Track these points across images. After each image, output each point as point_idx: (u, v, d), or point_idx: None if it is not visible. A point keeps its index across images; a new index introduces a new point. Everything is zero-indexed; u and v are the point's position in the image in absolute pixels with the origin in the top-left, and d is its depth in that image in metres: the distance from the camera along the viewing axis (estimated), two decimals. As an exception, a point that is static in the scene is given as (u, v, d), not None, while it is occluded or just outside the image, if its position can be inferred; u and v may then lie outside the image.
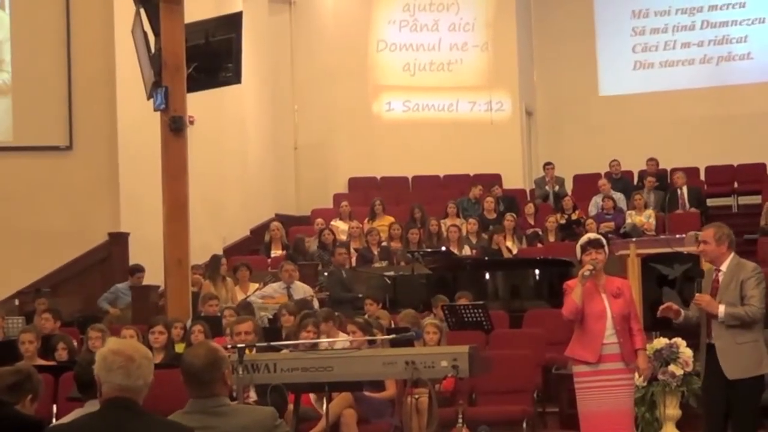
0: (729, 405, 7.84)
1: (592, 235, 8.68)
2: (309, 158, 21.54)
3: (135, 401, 4.24)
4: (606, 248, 8.27)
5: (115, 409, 4.20)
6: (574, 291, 8.11)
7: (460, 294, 12.86)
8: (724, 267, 7.95)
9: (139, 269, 15.04)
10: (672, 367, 9.98)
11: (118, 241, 16.26)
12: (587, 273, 8.06)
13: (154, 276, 14.10)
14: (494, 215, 18.10)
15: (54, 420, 8.94)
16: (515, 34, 22.12)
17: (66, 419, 4.96)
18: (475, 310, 12.14)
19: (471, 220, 17.46)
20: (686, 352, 9.92)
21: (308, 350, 8.93)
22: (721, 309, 7.77)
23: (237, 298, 14.12)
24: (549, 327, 11.65)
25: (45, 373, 9.60)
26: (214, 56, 12.53)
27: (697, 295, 7.87)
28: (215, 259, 14.89)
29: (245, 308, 12.74)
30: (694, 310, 8.04)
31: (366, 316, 11.21)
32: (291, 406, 8.48)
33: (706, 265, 8.39)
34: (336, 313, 11.10)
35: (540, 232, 17.49)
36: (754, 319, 7.83)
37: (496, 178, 20.52)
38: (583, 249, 8.21)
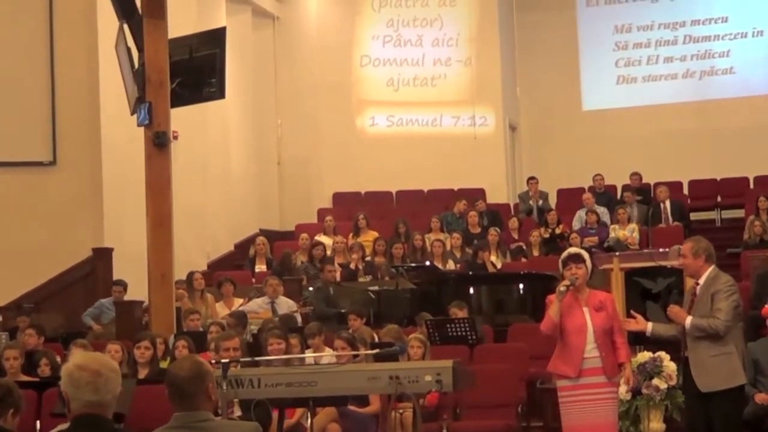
0: (710, 418, 7.89)
1: (572, 250, 8.67)
2: (293, 173, 21.55)
3: (105, 417, 4.19)
4: (587, 262, 8.25)
5: (85, 427, 4.16)
6: (552, 307, 8.09)
7: (456, 304, 12.74)
8: (701, 280, 8.03)
9: (118, 283, 15.01)
10: (656, 381, 10.01)
11: (102, 256, 16.21)
12: (563, 289, 8.04)
13: (138, 291, 14.06)
14: (478, 230, 18.12)
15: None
16: (498, 49, 22.18)
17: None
18: (463, 324, 12.14)
19: (455, 235, 17.49)
20: (670, 365, 9.95)
21: (292, 365, 8.92)
22: (688, 320, 7.85)
23: (217, 313, 14.11)
24: (533, 341, 11.62)
25: (28, 389, 9.58)
26: (197, 71, 12.53)
27: (669, 306, 7.95)
28: (189, 275, 14.92)
29: (239, 318, 12.74)
30: (675, 325, 8.11)
31: (350, 332, 11.20)
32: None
33: (689, 280, 8.44)
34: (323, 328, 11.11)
35: (524, 247, 17.49)
36: (717, 332, 7.88)
37: (479, 193, 20.54)
38: (564, 264, 8.21)
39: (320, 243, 17.01)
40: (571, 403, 8.09)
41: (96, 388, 4.17)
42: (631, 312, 8.24)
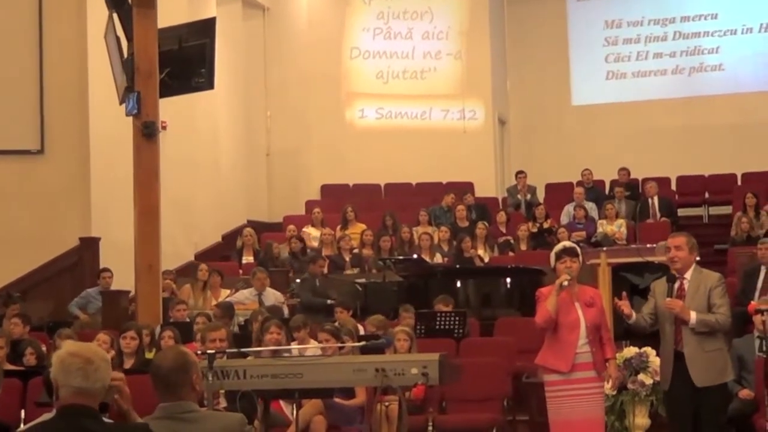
0: (696, 413, 7.89)
1: (567, 243, 8.68)
2: (281, 165, 21.52)
3: (91, 408, 4.17)
4: (580, 257, 8.28)
5: (71, 416, 4.15)
6: (549, 300, 8.09)
7: (442, 299, 12.76)
8: (688, 275, 8.02)
9: (106, 269, 15.00)
10: (641, 376, 10.02)
11: (89, 245, 16.19)
12: (565, 283, 8.05)
13: (124, 281, 14.04)
14: (466, 223, 18.11)
15: (22, 425, 8.91)
16: (489, 43, 22.17)
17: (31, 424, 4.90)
18: (452, 318, 12.15)
19: (443, 228, 17.48)
20: (656, 361, 9.94)
21: (278, 357, 8.91)
22: (693, 315, 7.82)
23: (211, 306, 14.10)
24: (520, 335, 11.67)
25: (13, 377, 9.58)
26: (187, 62, 12.50)
27: (668, 299, 7.91)
28: (195, 266, 14.94)
29: (226, 309, 12.73)
30: (648, 318, 8.08)
31: (336, 324, 11.19)
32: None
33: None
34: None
35: (512, 241, 17.51)
36: (723, 328, 7.91)
37: (468, 187, 20.52)
38: (558, 257, 8.22)
39: (297, 236, 16.97)
40: (560, 398, 8.10)
41: (86, 375, 4.16)
42: (623, 294, 8.21)
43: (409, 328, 11.42)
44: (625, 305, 8.04)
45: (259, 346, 10.00)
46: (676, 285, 8.01)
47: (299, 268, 15.97)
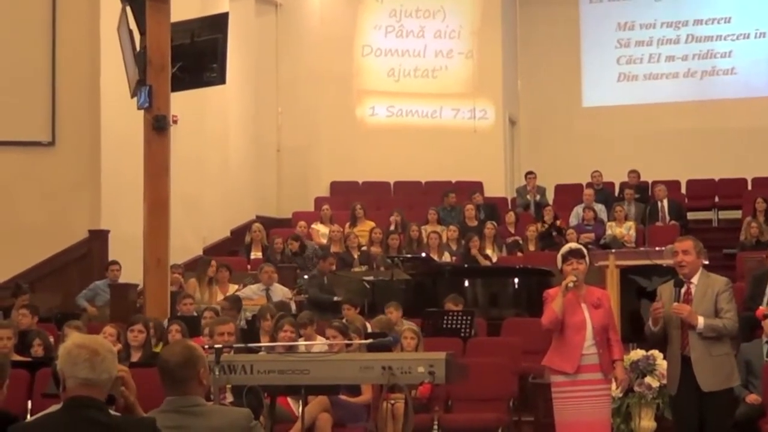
0: (702, 418, 7.87)
1: (573, 245, 8.67)
2: (291, 161, 21.51)
3: (97, 399, 4.18)
4: (587, 258, 8.27)
5: (77, 408, 4.15)
6: (555, 301, 8.09)
7: (452, 298, 12.76)
8: (695, 280, 7.99)
9: (114, 262, 15.02)
10: (648, 379, 10.01)
11: (98, 238, 16.20)
12: (571, 284, 8.04)
13: (133, 274, 14.05)
14: (475, 223, 18.10)
15: (29, 416, 8.92)
16: (500, 43, 22.16)
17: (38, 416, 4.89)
18: (461, 317, 12.15)
19: (451, 227, 17.47)
20: (663, 364, 9.93)
21: (285, 352, 8.92)
22: (701, 320, 7.80)
23: (217, 300, 14.11)
24: (527, 336, 11.66)
25: (21, 368, 9.58)
26: (199, 56, 12.50)
27: (675, 304, 7.88)
28: (204, 261, 14.94)
29: (234, 302, 12.74)
30: (656, 323, 8.05)
31: (344, 321, 11.20)
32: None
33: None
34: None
35: (520, 241, 17.49)
36: (730, 333, 7.90)
37: (477, 186, 20.51)
38: (564, 258, 8.21)
39: (293, 236, 16.97)
40: (566, 399, 8.09)
41: (92, 366, 4.16)
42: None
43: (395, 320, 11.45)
44: (655, 312, 7.99)
45: (273, 342, 10.01)
46: (683, 289, 7.99)
47: (302, 265, 15.98)
